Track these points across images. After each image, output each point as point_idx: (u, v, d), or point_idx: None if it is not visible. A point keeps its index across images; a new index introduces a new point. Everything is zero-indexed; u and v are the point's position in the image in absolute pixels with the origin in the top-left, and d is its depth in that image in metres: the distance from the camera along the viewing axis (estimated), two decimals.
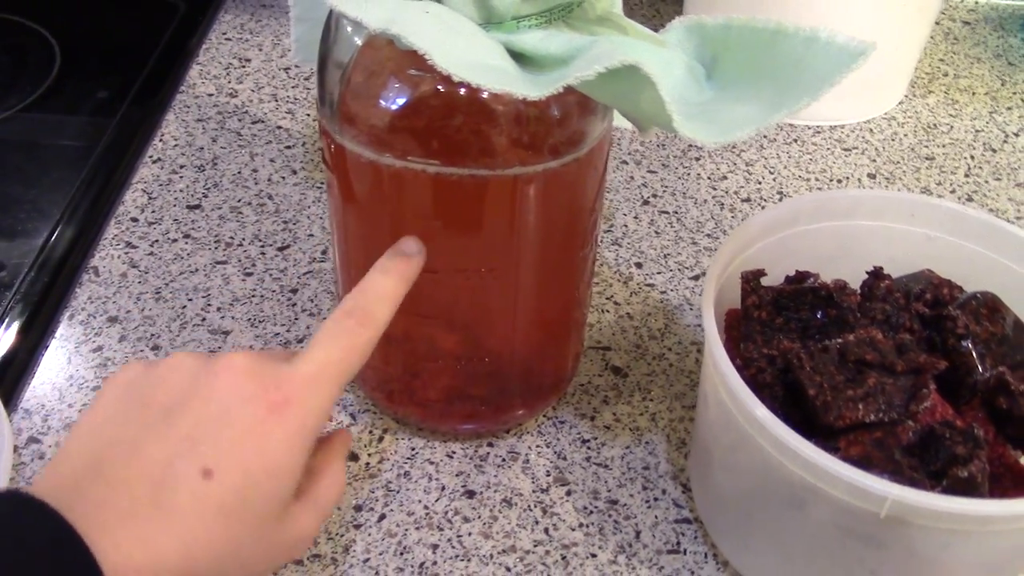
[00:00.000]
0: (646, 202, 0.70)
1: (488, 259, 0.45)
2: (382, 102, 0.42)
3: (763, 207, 0.70)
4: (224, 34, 0.84)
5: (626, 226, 0.68)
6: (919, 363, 0.44)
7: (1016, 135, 0.78)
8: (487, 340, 0.50)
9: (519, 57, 0.38)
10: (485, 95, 0.41)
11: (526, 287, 0.47)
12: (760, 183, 0.72)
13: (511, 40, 0.38)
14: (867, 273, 0.50)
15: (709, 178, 0.72)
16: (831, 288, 0.47)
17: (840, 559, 0.43)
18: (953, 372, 0.46)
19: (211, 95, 0.77)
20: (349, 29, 0.42)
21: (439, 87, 0.41)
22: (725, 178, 0.72)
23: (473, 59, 0.35)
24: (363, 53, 0.42)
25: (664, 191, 0.71)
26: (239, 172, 0.70)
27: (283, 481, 0.35)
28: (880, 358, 0.44)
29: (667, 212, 0.69)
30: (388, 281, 0.39)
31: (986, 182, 0.73)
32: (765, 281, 0.49)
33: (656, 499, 0.51)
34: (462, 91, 0.41)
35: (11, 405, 0.54)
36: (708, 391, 0.46)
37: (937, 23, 0.91)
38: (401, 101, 0.41)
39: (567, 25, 0.40)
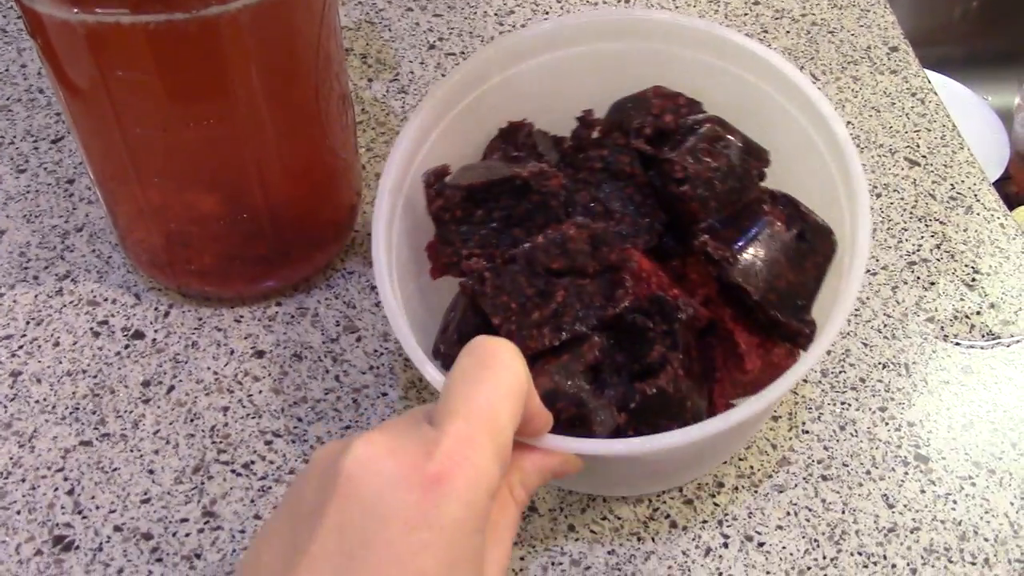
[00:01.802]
0: (432, 47, 0.69)
1: (213, 109, 0.44)
2: None
3: None
4: None
5: (412, 72, 0.67)
6: (611, 261, 0.41)
7: None
8: (244, 197, 0.49)
9: None
10: None
11: (264, 136, 0.46)
12: (547, 12, 0.71)
13: None
14: (576, 120, 0.47)
15: (496, 15, 0.71)
16: (526, 176, 0.43)
17: None
18: (679, 220, 0.44)
19: None
20: None
21: None
22: (512, 12, 0.71)
23: None
24: None
25: (451, 33, 0.70)
26: (6, 69, 0.67)
27: (466, 573, 0.29)
28: (569, 262, 0.40)
29: (453, 54, 0.68)
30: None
31: None
32: (482, 135, 0.46)
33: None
34: None
35: None
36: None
37: None
38: None
39: None
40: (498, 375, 0.32)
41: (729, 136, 0.45)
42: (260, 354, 0.51)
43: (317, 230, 0.53)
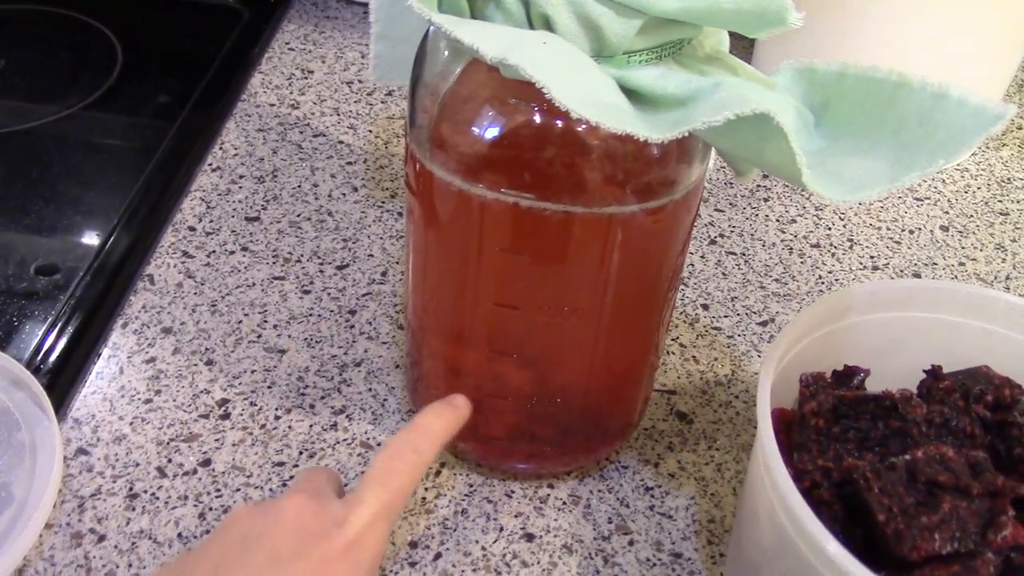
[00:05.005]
0: (713, 242, 0.68)
1: (572, 298, 0.43)
2: (476, 130, 0.40)
3: (833, 254, 0.68)
4: (287, 44, 0.83)
5: (692, 265, 0.66)
6: (997, 487, 0.40)
7: None
8: (558, 380, 0.48)
9: (630, 94, 0.37)
10: (581, 129, 0.39)
11: (607, 329, 0.45)
12: (830, 229, 0.70)
13: (623, 75, 0.36)
14: (924, 372, 0.47)
15: (778, 220, 0.70)
16: (896, 398, 0.43)
17: None
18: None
19: (272, 105, 0.76)
20: (445, 53, 0.41)
21: (536, 118, 0.39)
22: (794, 221, 0.70)
23: (590, 95, 0.33)
24: (461, 79, 0.40)
25: (731, 231, 0.69)
26: (299, 186, 0.69)
27: None
28: (954, 479, 0.40)
29: (734, 253, 0.67)
30: (439, 422, 0.44)
31: None
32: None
33: (722, 555, 0.49)
34: (559, 124, 0.39)
35: (61, 414, 0.52)
36: (760, 510, 0.42)
37: None
38: (496, 130, 0.40)
39: (677, 63, 0.39)
40: (411, 476, 0.41)
41: None
42: (530, 537, 0.50)
43: (610, 421, 0.51)
